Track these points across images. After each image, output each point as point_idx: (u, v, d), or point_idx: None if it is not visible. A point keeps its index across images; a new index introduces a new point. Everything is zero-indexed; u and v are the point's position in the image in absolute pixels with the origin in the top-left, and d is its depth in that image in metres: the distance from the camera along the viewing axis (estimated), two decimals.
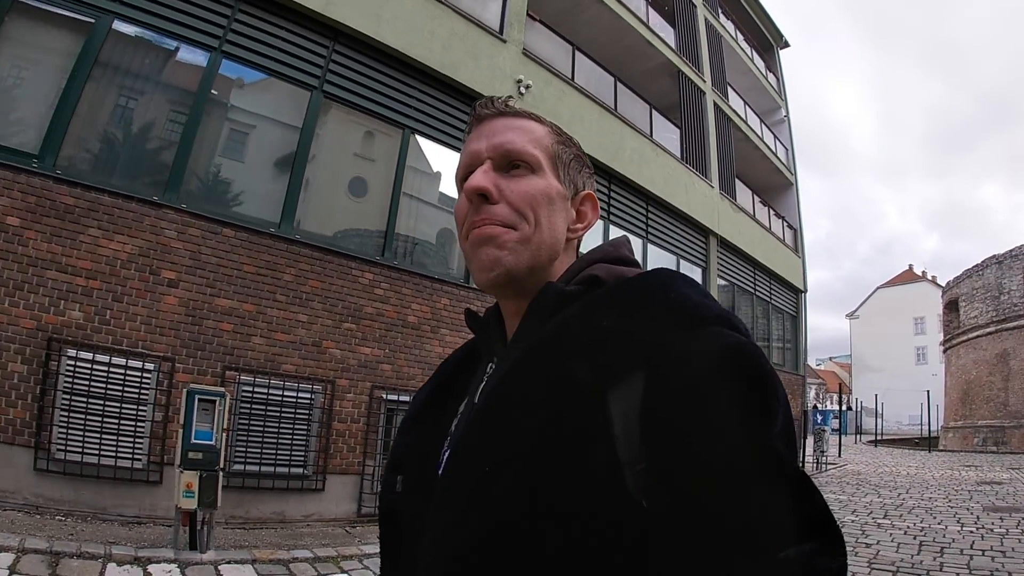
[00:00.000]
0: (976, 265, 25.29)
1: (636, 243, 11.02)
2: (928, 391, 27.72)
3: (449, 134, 8.02)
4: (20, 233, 5.14)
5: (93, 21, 5.65)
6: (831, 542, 0.50)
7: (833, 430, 19.95)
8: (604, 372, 0.56)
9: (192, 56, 6.24)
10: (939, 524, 7.80)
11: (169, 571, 4.25)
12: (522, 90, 8.61)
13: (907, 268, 51.38)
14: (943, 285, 30.65)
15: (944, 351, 28.83)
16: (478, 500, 0.58)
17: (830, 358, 59.75)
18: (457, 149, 8.05)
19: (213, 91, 6.27)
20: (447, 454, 0.69)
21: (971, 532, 7.21)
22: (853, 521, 8.09)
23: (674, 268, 9.05)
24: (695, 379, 0.53)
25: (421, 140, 7.88)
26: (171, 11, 5.98)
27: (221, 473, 4.58)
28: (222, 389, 5.05)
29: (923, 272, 50.12)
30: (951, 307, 27.15)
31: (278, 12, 6.60)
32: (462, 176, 0.75)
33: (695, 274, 12.67)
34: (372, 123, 7.52)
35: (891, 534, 7.19)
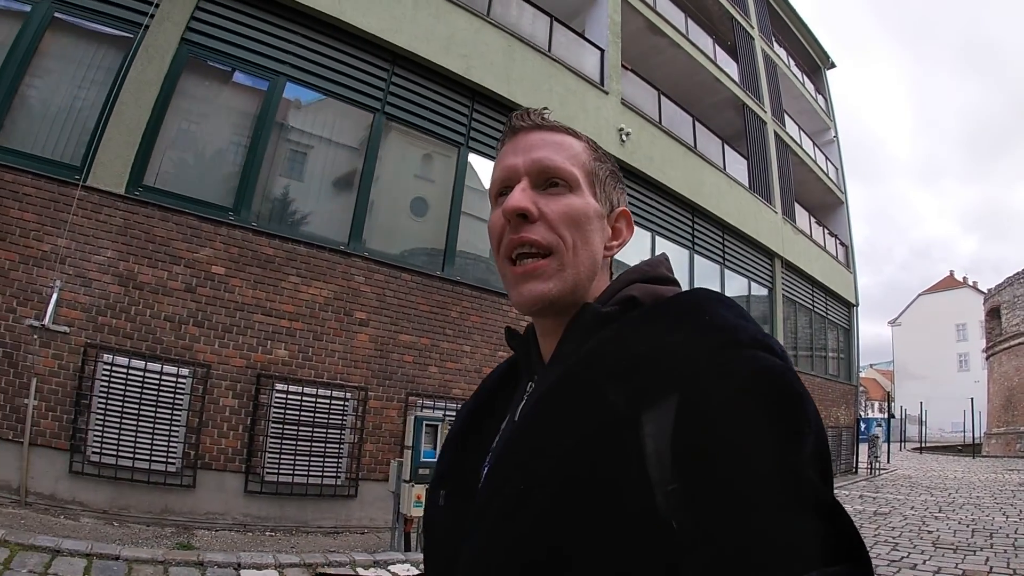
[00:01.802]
0: (1017, 273, 25.56)
1: (713, 269, 11.83)
2: (972, 398, 27.90)
3: None
4: (226, 281, 5.91)
5: (267, 83, 6.44)
6: (858, 567, 0.48)
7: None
8: (638, 395, 0.56)
9: (359, 116, 7.08)
10: (987, 516, 9.02)
11: (408, 570, 5.05)
12: (623, 138, 9.45)
13: (948, 274, 51.35)
14: (984, 292, 30.89)
15: (987, 358, 29.03)
16: (512, 517, 0.59)
17: (871, 365, 58.47)
18: None
19: (380, 155, 7.14)
20: (486, 470, 0.70)
21: (1016, 522, 8.39)
22: (913, 514, 9.27)
23: (745, 291, 9.70)
24: (726, 403, 0.53)
25: None
26: (337, 74, 6.85)
27: None
28: (441, 415, 5.91)
29: (964, 278, 50.11)
30: (993, 314, 27.37)
31: (426, 75, 7.51)
32: (498, 191, 0.74)
33: (762, 294, 13.48)
34: None
35: (947, 523, 8.34)
